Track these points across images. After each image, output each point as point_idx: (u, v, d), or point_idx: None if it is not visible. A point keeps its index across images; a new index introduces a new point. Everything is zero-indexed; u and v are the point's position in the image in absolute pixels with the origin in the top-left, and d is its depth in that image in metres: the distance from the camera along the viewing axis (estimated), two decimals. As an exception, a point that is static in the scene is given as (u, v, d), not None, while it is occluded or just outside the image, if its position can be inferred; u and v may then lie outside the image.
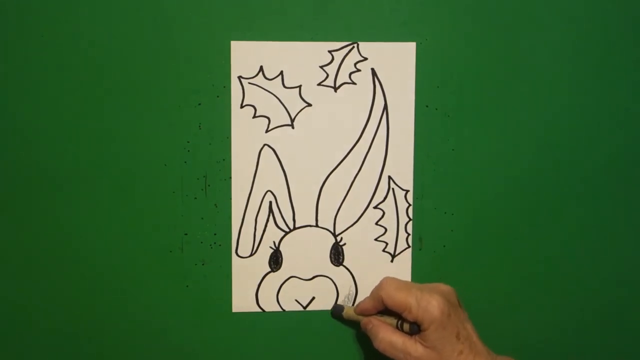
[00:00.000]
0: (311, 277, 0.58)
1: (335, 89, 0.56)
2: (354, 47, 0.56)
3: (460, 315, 0.52)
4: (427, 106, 0.57)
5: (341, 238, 0.57)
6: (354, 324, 0.58)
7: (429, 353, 0.50)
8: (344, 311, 0.57)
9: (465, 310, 0.53)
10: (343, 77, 0.56)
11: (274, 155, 0.56)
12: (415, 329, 0.51)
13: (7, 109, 0.54)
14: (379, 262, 0.58)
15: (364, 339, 0.58)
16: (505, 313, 0.59)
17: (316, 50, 0.56)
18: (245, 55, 0.55)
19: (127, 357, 0.57)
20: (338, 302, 0.58)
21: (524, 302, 0.59)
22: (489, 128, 0.57)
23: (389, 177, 0.57)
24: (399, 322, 0.52)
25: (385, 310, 0.54)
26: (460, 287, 0.54)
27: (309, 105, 0.56)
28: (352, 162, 0.57)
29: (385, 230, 0.58)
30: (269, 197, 0.57)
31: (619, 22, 0.57)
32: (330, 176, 0.57)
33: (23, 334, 0.56)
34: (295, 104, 0.56)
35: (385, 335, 0.52)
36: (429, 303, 0.50)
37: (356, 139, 0.57)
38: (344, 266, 0.58)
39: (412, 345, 0.51)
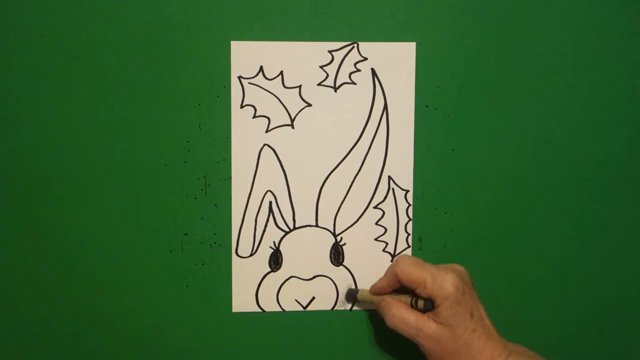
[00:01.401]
0: (311, 277, 0.58)
1: (335, 89, 0.56)
2: (354, 47, 0.56)
3: (474, 295, 0.51)
4: (427, 106, 0.57)
5: (341, 238, 0.57)
6: (358, 325, 0.58)
7: (442, 329, 0.49)
8: (359, 293, 0.57)
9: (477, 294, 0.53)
10: (343, 77, 0.56)
11: (274, 155, 0.56)
12: (429, 305, 0.50)
13: (7, 109, 0.54)
14: (379, 262, 0.58)
15: (364, 339, 0.58)
16: (505, 313, 0.59)
17: (316, 50, 0.56)
18: (245, 55, 0.55)
19: (127, 357, 0.57)
20: (349, 288, 0.58)
21: (524, 301, 0.59)
22: (489, 128, 0.57)
23: (389, 177, 0.57)
24: (413, 300, 0.52)
25: (399, 290, 0.54)
26: (460, 287, 0.54)
27: (309, 105, 0.56)
28: (352, 162, 0.57)
29: (385, 230, 0.58)
30: (269, 197, 0.57)
31: (619, 22, 0.57)
32: (330, 176, 0.57)
33: (23, 334, 0.56)
34: (295, 104, 0.56)
35: (398, 311, 0.52)
36: (444, 279, 0.50)
37: (356, 139, 0.57)
38: (344, 266, 0.58)
39: (424, 322, 0.50)
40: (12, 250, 0.55)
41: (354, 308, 0.58)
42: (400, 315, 0.51)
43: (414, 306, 0.52)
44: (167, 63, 0.55)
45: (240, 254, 0.57)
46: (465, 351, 0.49)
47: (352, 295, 0.57)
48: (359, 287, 0.57)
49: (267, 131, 0.56)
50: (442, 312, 0.49)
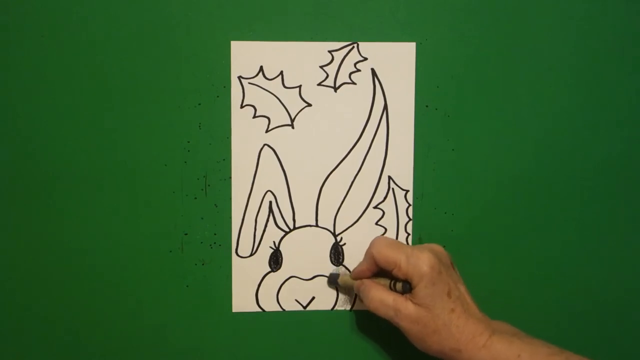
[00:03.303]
0: (311, 277, 0.58)
1: (335, 89, 0.56)
2: (354, 47, 0.56)
3: (453, 275, 0.51)
4: (427, 106, 0.57)
5: (341, 238, 0.57)
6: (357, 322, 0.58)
7: (420, 310, 0.49)
8: (340, 278, 0.57)
9: (458, 273, 0.52)
10: (343, 77, 0.56)
11: (274, 155, 0.56)
12: (407, 287, 0.50)
13: (8, 109, 0.54)
14: (379, 262, 0.58)
15: (364, 339, 0.58)
16: (505, 313, 0.58)
17: (316, 50, 0.56)
18: (245, 55, 0.55)
19: (127, 357, 0.57)
20: (331, 273, 0.58)
21: (524, 302, 0.59)
22: (489, 128, 0.57)
23: (389, 177, 0.57)
24: (392, 283, 0.52)
25: (379, 273, 0.54)
26: (460, 287, 0.54)
27: (309, 105, 0.56)
28: (352, 162, 0.57)
29: (385, 230, 0.58)
30: (269, 197, 0.57)
31: (619, 23, 0.57)
32: (330, 176, 0.57)
33: (23, 334, 0.56)
34: (295, 104, 0.56)
35: (376, 293, 0.51)
36: (419, 259, 0.49)
37: (356, 139, 0.57)
38: (344, 266, 0.58)
39: (402, 303, 0.50)
40: (12, 250, 0.55)
41: (355, 308, 0.58)
42: (379, 297, 0.51)
43: (392, 289, 0.52)
44: (167, 63, 0.55)
45: (240, 254, 0.57)
46: (444, 331, 0.49)
47: (333, 280, 0.57)
48: (339, 272, 0.57)
49: (267, 131, 0.56)
50: (418, 293, 0.49)
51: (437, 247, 0.53)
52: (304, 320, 0.58)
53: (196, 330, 0.57)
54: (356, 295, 0.58)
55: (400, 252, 0.51)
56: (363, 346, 0.58)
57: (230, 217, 0.56)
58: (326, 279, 0.58)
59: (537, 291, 0.59)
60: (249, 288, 0.57)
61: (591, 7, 0.57)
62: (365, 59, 0.56)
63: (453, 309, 0.49)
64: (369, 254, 0.53)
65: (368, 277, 0.54)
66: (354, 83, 0.56)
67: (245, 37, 0.55)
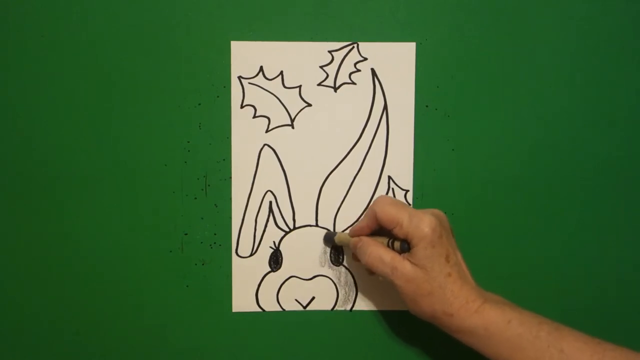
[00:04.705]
0: (311, 277, 0.58)
1: (335, 89, 0.56)
2: (354, 47, 0.56)
3: (452, 241, 0.51)
4: (427, 106, 0.57)
5: (341, 238, 0.57)
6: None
7: (417, 271, 0.49)
8: (336, 236, 0.56)
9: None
10: (343, 77, 0.56)
11: (274, 155, 0.56)
12: (405, 246, 0.50)
13: (8, 109, 0.54)
14: (379, 262, 0.58)
15: (364, 339, 0.58)
16: (505, 313, 0.59)
17: (316, 50, 0.56)
18: (245, 55, 0.55)
19: (127, 357, 0.57)
20: (327, 231, 0.57)
21: (524, 301, 0.59)
22: (489, 128, 0.57)
23: (389, 177, 0.57)
24: (390, 241, 0.51)
25: (377, 233, 0.53)
26: (460, 287, 0.54)
27: (309, 105, 0.56)
28: (352, 162, 0.57)
29: (385, 230, 0.58)
30: (269, 197, 0.57)
31: (620, 22, 0.57)
32: (330, 176, 0.57)
33: (23, 334, 0.56)
34: (295, 104, 0.56)
35: (375, 249, 0.51)
36: (421, 220, 0.49)
37: (356, 139, 0.57)
38: (344, 266, 0.58)
39: (400, 261, 0.50)
40: (12, 250, 0.55)
41: (355, 308, 0.58)
42: (377, 253, 0.51)
43: (390, 247, 0.51)
44: (167, 63, 0.55)
45: (240, 254, 0.57)
46: (439, 293, 0.49)
47: (329, 238, 0.57)
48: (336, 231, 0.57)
49: (267, 131, 0.56)
50: (417, 253, 0.49)
51: (440, 212, 0.52)
52: (304, 320, 0.58)
53: (196, 330, 0.57)
54: (356, 295, 0.58)
55: (403, 211, 0.50)
56: (363, 346, 0.58)
57: (230, 217, 0.56)
58: (326, 278, 0.58)
59: (537, 291, 0.59)
60: (249, 288, 0.57)
61: (591, 7, 0.57)
62: (365, 59, 0.56)
63: (450, 274, 0.49)
64: (370, 212, 0.53)
65: (366, 235, 0.54)
66: (354, 83, 0.56)
67: (245, 37, 0.55)
